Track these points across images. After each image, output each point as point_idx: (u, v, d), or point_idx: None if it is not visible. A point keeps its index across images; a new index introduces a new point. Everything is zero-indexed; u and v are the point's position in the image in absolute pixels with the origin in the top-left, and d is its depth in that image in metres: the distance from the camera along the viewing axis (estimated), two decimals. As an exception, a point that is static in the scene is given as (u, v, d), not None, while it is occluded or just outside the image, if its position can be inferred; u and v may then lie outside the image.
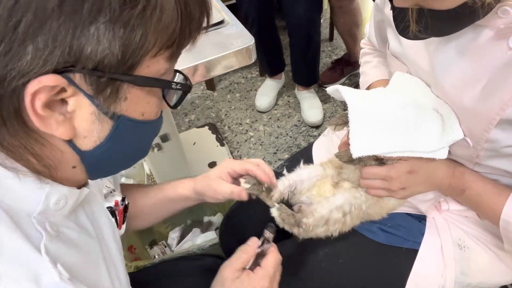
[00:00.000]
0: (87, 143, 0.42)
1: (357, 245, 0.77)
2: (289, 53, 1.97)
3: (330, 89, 0.72)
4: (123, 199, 0.73)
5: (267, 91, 2.15)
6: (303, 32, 1.82)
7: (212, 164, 1.74)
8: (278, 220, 0.71)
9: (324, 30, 2.57)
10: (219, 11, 0.98)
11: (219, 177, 0.73)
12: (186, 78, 0.49)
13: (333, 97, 0.74)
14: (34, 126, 0.38)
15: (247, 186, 0.71)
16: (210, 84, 2.31)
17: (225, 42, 0.89)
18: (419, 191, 0.72)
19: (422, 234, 0.76)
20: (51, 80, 0.34)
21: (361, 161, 0.69)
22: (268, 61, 2.11)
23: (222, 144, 1.84)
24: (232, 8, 1.10)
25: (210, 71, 0.87)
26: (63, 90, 0.36)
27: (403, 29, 0.55)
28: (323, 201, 0.74)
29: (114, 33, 0.34)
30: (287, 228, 0.72)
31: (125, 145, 0.46)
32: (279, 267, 0.65)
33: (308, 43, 1.87)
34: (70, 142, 0.41)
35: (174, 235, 1.37)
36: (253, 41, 0.88)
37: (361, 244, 0.77)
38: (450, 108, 0.64)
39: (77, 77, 0.36)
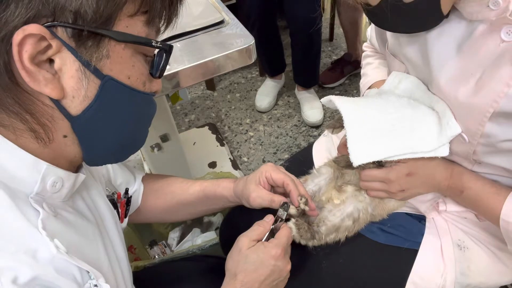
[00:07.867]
0: (76, 105, 0.43)
1: (357, 245, 0.77)
2: (290, 53, 1.97)
3: (324, 100, 0.73)
4: (126, 192, 0.73)
5: (267, 91, 2.15)
6: (305, 34, 1.82)
7: (212, 164, 1.74)
8: (295, 236, 0.69)
9: (324, 30, 2.56)
10: (219, 11, 0.98)
11: (257, 183, 0.73)
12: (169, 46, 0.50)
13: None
14: (25, 86, 0.40)
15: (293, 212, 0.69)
16: (210, 84, 2.31)
17: (225, 42, 0.88)
18: (419, 192, 0.72)
19: (422, 234, 0.76)
20: (34, 28, 0.37)
21: (359, 165, 0.69)
22: (268, 61, 2.11)
23: (222, 144, 1.84)
24: (232, 8, 1.11)
25: (210, 71, 0.87)
26: (49, 47, 0.39)
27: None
28: (334, 210, 0.74)
29: None
30: (303, 242, 0.71)
31: (115, 114, 0.47)
32: (289, 244, 0.66)
33: (309, 44, 1.87)
34: (60, 106, 0.42)
35: (174, 235, 1.37)
36: (253, 41, 0.88)
37: (361, 244, 0.78)
38: (445, 104, 0.64)
39: (59, 31, 0.39)
